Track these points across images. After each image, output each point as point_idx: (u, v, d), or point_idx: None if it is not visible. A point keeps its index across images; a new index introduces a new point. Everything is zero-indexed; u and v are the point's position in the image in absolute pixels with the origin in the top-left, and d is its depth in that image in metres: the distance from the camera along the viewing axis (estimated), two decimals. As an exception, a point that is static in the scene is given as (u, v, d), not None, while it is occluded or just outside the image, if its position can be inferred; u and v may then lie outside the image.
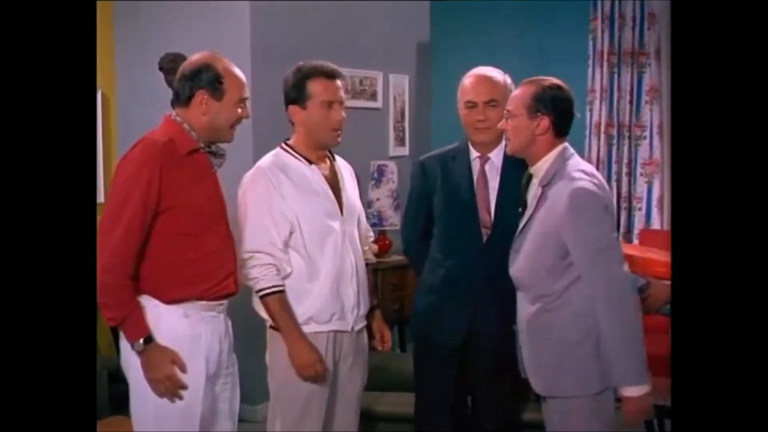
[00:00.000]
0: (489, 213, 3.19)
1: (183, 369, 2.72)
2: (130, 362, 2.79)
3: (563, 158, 2.77)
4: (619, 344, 2.60)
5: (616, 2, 5.79)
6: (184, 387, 2.73)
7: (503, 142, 3.22)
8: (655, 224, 5.78)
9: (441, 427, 3.32)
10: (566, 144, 2.82)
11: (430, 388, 3.32)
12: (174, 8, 5.05)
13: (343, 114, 3.06)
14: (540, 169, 2.78)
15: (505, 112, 2.84)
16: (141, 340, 2.69)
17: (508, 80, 3.22)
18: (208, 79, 2.77)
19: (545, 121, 2.75)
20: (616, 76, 5.81)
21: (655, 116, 5.77)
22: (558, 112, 2.76)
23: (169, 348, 2.71)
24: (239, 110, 2.83)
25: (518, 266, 2.81)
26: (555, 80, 2.83)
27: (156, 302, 2.75)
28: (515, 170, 3.17)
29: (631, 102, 5.84)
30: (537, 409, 3.52)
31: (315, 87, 3.01)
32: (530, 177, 2.86)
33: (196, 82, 2.77)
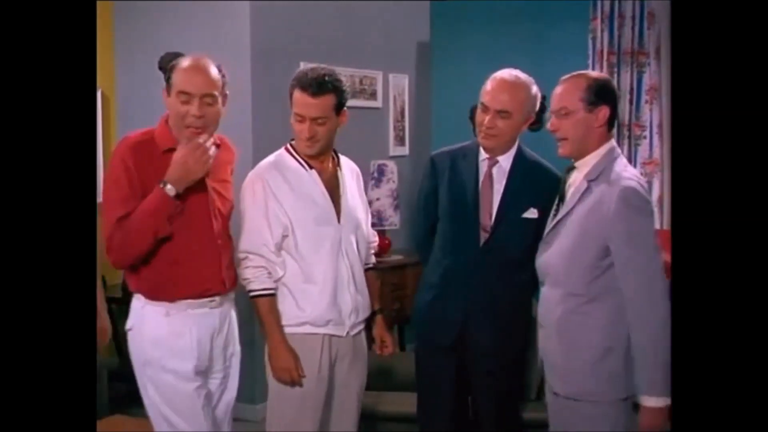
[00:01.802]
0: (490, 216, 3.17)
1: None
2: (131, 359, 2.87)
3: (612, 156, 2.72)
4: (649, 351, 2.54)
5: (616, 2, 5.79)
6: (199, 145, 2.76)
7: (515, 147, 3.22)
8: (655, 224, 5.77)
9: (441, 425, 3.32)
10: (614, 143, 2.78)
11: (429, 387, 3.33)
12: (174, 8, 5.05)
13: (309, 131, 2.96)
14: (587, 163, 2.72)
15: (555, 111, 2.75)
16: (169, 191, 2.72)
17: (533, 91, 3.15)
18: (165, 75, 2.82)
19: (605, 112, 2.69)
20: (615, 75, 5.80)
21: (654, 116, 5.77)
22: (612, 102, 2.73)
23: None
24: (184, 107, 2.76)
25: (549, 258, 2.75)
26: (596, 73, 2.79)
27: (143, 301, 2.82)
28: (523, 176, 3.17)
29: (630, 101, 5.83)
30: (537, 409, 3.52)
31: (295, 98, 2.98)
32: (570, 170, 2.79)
33: (165, 79, 2.83)
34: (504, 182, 3.19)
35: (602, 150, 2.72)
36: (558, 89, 2.76)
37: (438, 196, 3.28)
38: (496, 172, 3.21)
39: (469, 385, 3.32)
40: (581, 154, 2.74)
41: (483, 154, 3.23)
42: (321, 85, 2.93)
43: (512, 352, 3.28)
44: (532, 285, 3.21)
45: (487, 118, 3.11)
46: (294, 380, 2.99)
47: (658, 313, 2.53)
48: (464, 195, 3.20)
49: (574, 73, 2.79)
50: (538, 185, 3.19)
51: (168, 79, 2.80)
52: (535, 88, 3.16)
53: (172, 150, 2.79)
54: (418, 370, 3.37)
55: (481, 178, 3.21)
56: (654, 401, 2.56)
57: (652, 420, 2.59)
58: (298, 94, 2.97)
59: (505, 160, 3.21)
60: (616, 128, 5.69)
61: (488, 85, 3.15)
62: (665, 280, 2.55)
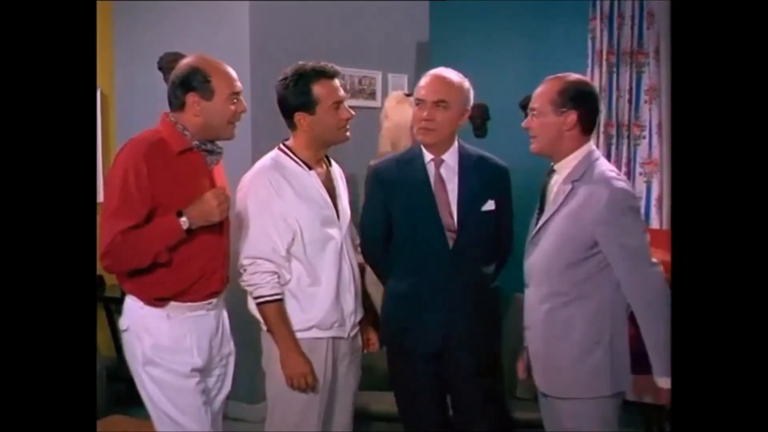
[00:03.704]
0: (452, 216, 3.13)
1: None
2: (127, 359, 2.86)
3: (591, 158, 2.74)
4: (661, 339, 2.60)
5: (615, 2, 5.78)
6: (223, 192, 2.79)
7: (455, 144, 3.20)
8: (654, 224, 5.77)
9: (428, 429, 3.29)
10: (593, 145, 2.80)
11: (412, 396, 3.29)
12: (173, 8, 5.04)
13: (351, 111, 3.05)
14: (566, 165, 2.74)
15: (530, 110, 2.78)
16: (182, 223, 2.71)
17: (466, 84, 3.15)
18: (196, 81, 2.78)
19: (573, 117, 2.71)
20: (614, 75, 5.80)
21: (654, 116, 5.76)
22: (585, 107, 2.73)
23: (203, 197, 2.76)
24: (233, 105, 2.82)
25: (535, 260, 2.77)
26: (578, 75, 2.81)
27: (141, 304, 2.80)
28: (473, 170, 3.16)
29: (630, 101, 5.82)
30: (533, 409, 3.53)
31: (321, 90, 2.98)
32: (551, 173, 2.81)
33: (185, 86, 2.79)
34: (456, 180, 3.16)
35: (580, 153, 2.75)
36: (537, 89, 2.79)
37: (389, 208, 3.20)
38: (445, 171, 3.17)
39: (448, 387, 3.29)
40: (555, 155, 2.77)
41: (428, 156, 3.18)
42: (335, 68, 3.03)
43: (492, 346, 3.28)
44: (494, 276, 3.27)
45: (426, 111, 3.08)
46: (308, 385, 2.97)
47: (660, 305, 2.61)
48: (420, 201, 3.14)
49: (555, 75, 2.80)
50: (488, 177, 3.19)
51: (200, 85, 2.77)
52: (467, 83, 3.16)
53: (186, 151, 2.79)
54: (399, 380, 3.32)
55: (432, 180, 3.16)
56: (666, 382, 2.64)
57: (667, 396, 2.66)
58: (328, 83, 2.99)
59: (451, 158, 3.18)
60: (615, 128, 5.78)
61: (421, 81, 3.15)
62: (660, 271, 2.64)
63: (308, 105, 2.98)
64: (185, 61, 2.86)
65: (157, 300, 2.79)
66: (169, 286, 2.78)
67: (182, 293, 2.80)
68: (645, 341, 2.65)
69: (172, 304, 2.80)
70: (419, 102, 3.11)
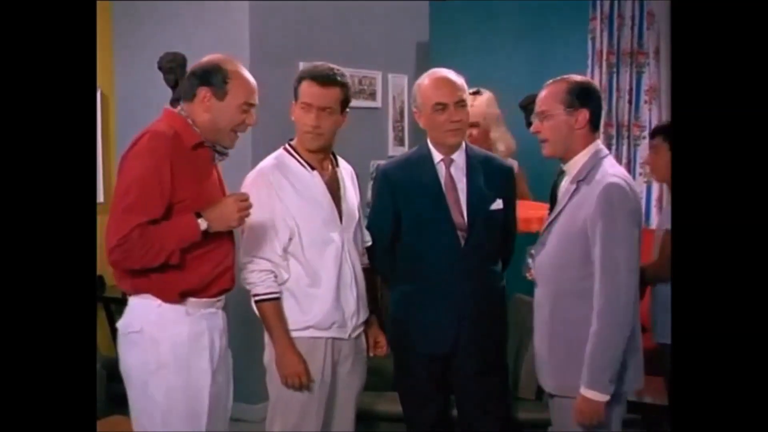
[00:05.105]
0: (462, 216, 3.16)
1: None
2: (131, 365, 2.80)
3: (599, 156, 2.74)
4: (601, 349, 2.60)
5: (615, 2, 5.79)
6: (246, 198, 2.77)
7: (463, 143, 3.22)
8: (654, 224, 5.78)
9: (432, 429, 3.30)
10: (600, 144, 2.81)
11: (419, 396, 3.29)
12: (173, 8, 5.05)
13: (316, 119, 2.97)
14: (575, 164, 2.75)
15: (537, 113, 2.78)
16: (200, 225, 2.68)
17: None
18: (214, 78, 2.77)
19: (584, 115, 2.72)
20: (615, 75, 5.81)
21: (654, 116, 5.77)
22: (593, 105, 2.75)
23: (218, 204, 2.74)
24: (243, 115, 2.80)
25: (542, 259, 2.79)
26: (580, 76, 2.84)
27: (158, 302, 2.75)
28: (479, 170, 3.18)
29: (630, 102, 5.83)
30: (534, 409, 3.53)
31: (303, 88, 2.99)
32: (562, 173, 2.81)
33: (202, 79, 2.77)
34: (464, 180, 3.18)
35: (588, 151, 2.75)
36: (541, 93, 2.80)
37: (398, 209, 3.21)
38: (455, 171, 3.19)
39: (453, 385, 3.29)
40: (566, 155, 2.78)
41: (437, 156, 3.20)
42: (329, 76, 2.99)
43: (498, 345, 3.28)
44: (501, 275, 3.29)
45: (453, 113, 3.10)
46: (303, 385, 2.96)
47: (617, 317, 2.59)
48: (432, 201, 3.17)
49: (558, 78, 2.82)
50: (495, 176, 3.22)
51: (216, 83, 2.76)
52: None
53: (198, 146, 2.77)
54: (403, 380, 3.33)
55: (443, 180, 3.18)
56: (590, 393, 2.62)
57: (584, 408, 2.63)
58: (306, 84, 2.99)
59: (460, 158, 3.20)
60: (615, 129, 5.78)
61: (430, 87, 3.15)
62: (633, 284, 2.61)
63: (295, 98, 3.02)
64: (211, 56, 2.84)
65: (180, 295, 2.74)
66: (189, 282, 2.74)
67: (202, 290, 2.78)
68: (589, 342, 2.62)
69: (191, 300, 2.77)
70: (441, 106, 3.11)
